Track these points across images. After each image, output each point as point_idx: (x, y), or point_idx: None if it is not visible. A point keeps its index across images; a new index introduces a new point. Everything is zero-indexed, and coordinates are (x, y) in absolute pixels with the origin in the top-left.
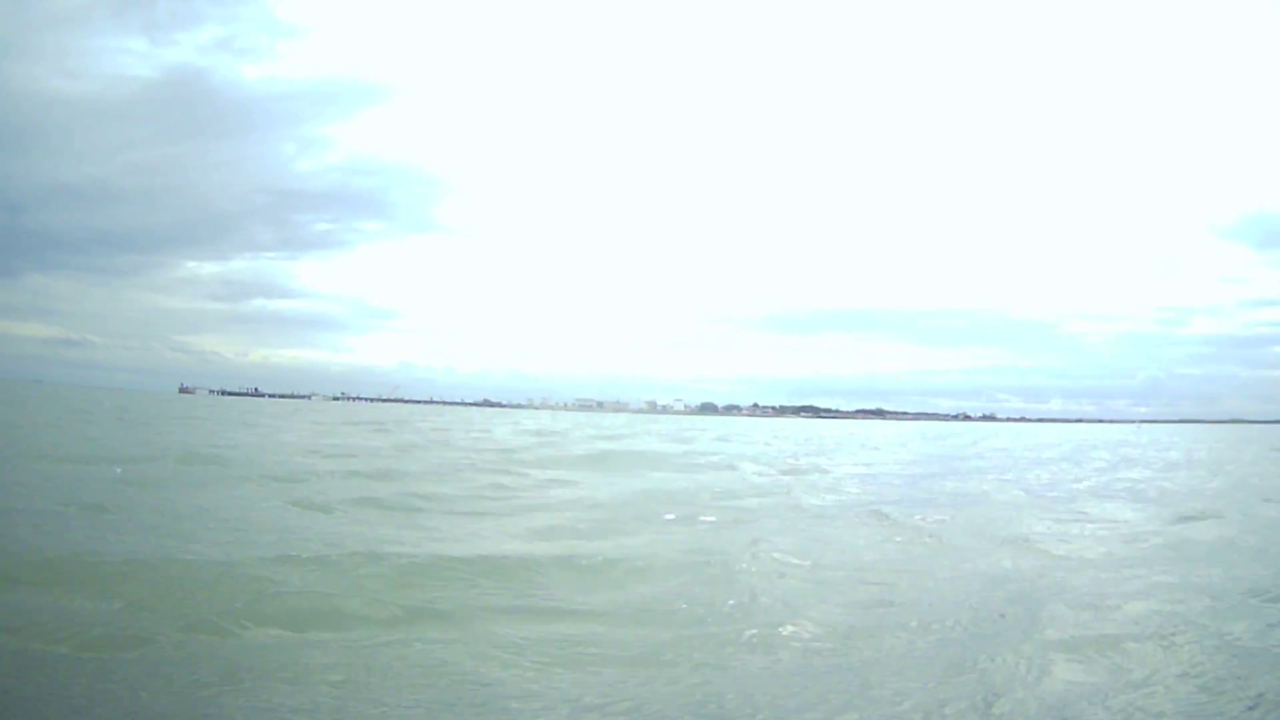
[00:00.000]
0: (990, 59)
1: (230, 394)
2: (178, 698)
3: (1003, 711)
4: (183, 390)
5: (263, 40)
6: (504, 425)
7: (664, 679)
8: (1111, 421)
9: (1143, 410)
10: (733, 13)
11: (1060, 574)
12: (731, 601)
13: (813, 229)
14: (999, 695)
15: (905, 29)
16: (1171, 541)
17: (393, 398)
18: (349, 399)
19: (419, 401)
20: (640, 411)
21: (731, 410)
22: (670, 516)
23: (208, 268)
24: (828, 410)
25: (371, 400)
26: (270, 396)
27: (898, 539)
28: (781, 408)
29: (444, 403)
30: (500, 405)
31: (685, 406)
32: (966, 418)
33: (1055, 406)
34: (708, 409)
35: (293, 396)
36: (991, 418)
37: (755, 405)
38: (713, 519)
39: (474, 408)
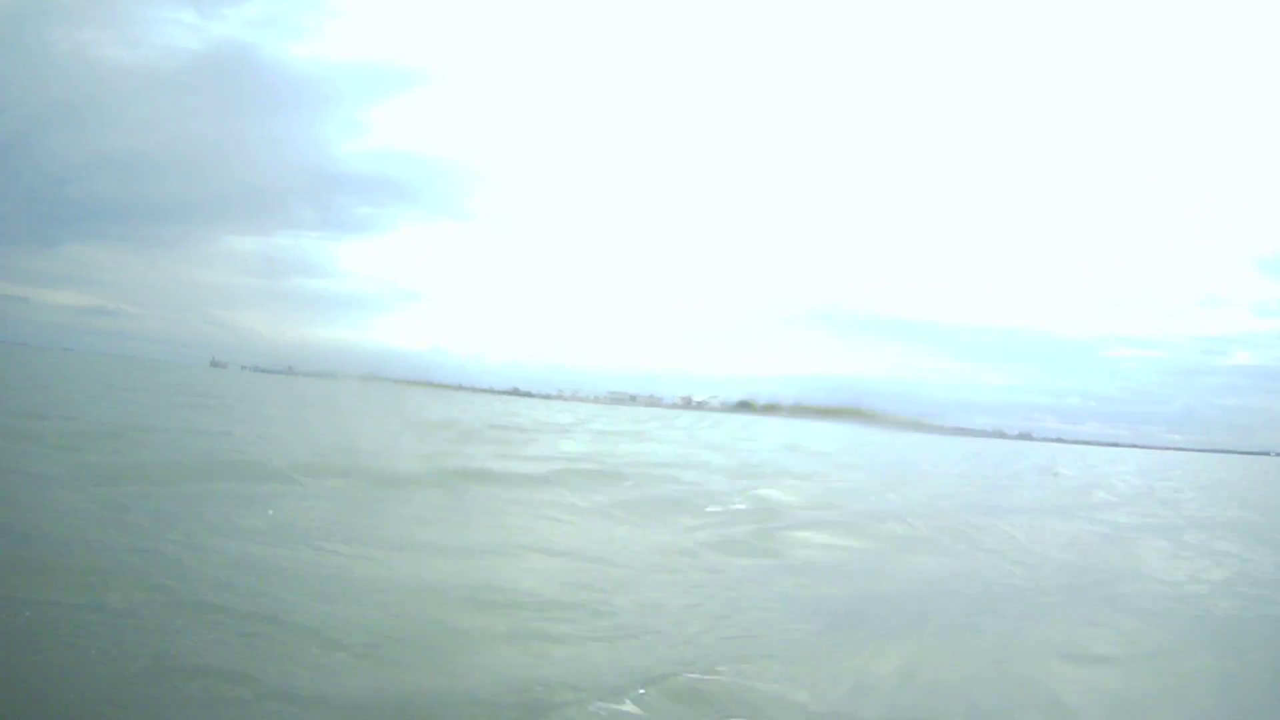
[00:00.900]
0: (1047, 87)
1: (263, 370)
2: None
3: None
4: (214, 364)
5: (309, 19)
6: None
7: None
8: (1146, 447)
9: (1176, 438)
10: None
11: None
12: None
13: (861, 230)
14: None
15: (969, 46)
16: None
17: (421, 380)
18: (377, 379)
19: (448, 386)
20: (674, 407)
21: (770, 410)
22: None
23: (247, 243)
24: (872, 415)
25: (397, 382)
26: (304, 375)
27: None
28: (823, 410)
29: (474, 389)
30: (530, 395)
31: (721, 403)
32: (1003, 435)
33: (1090, 429)
34: (745, 406)
35: (324, 375)
36: (1028, 437)
37: (796, 405)
38: None
39: (504, 395)
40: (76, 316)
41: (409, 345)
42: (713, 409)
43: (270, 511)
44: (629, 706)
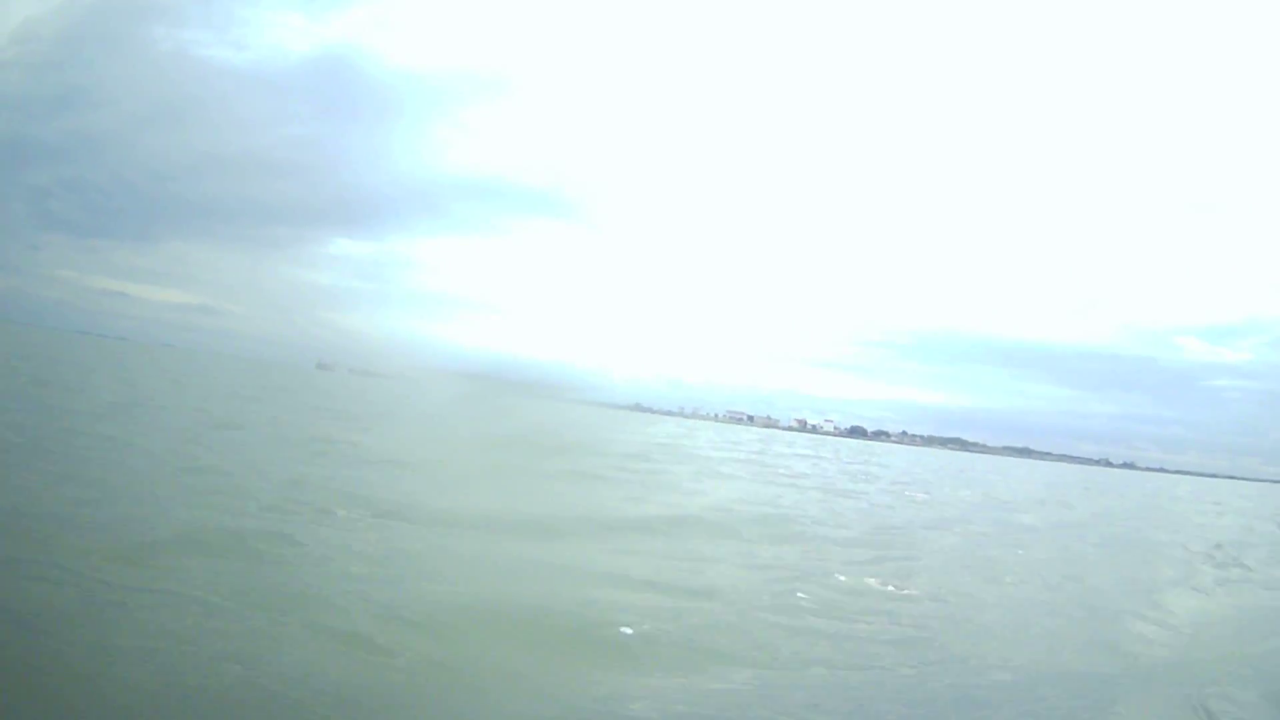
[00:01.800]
0: (1174, 109)
1: (372, 374)
2: None
3: None
4: (320, 366)
5: (415, 23)
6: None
7: None
8: (1243, 479)
9: (1273, 470)
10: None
11: None
12: None
13: (971, 259)
14: None
15: (1085, 64)
16: None
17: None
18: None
19: (571, 400)
20: (790, 429)
21: (880, 435)
22: None
23: (357, 245)
24: (975, 444)
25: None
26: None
27: None
28: (929, 437)
29: (596, 404)
30: (652, 411)
31: (835, 428)
32: (1108, 464)
33: (1191, 459)
34: (857, 432)
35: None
36: (1132, 466)
37: (904, 433)
38: None
39: (626, 410)
40: (177, 313)
41: (529, 355)
42: (826, 433)
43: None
44: None
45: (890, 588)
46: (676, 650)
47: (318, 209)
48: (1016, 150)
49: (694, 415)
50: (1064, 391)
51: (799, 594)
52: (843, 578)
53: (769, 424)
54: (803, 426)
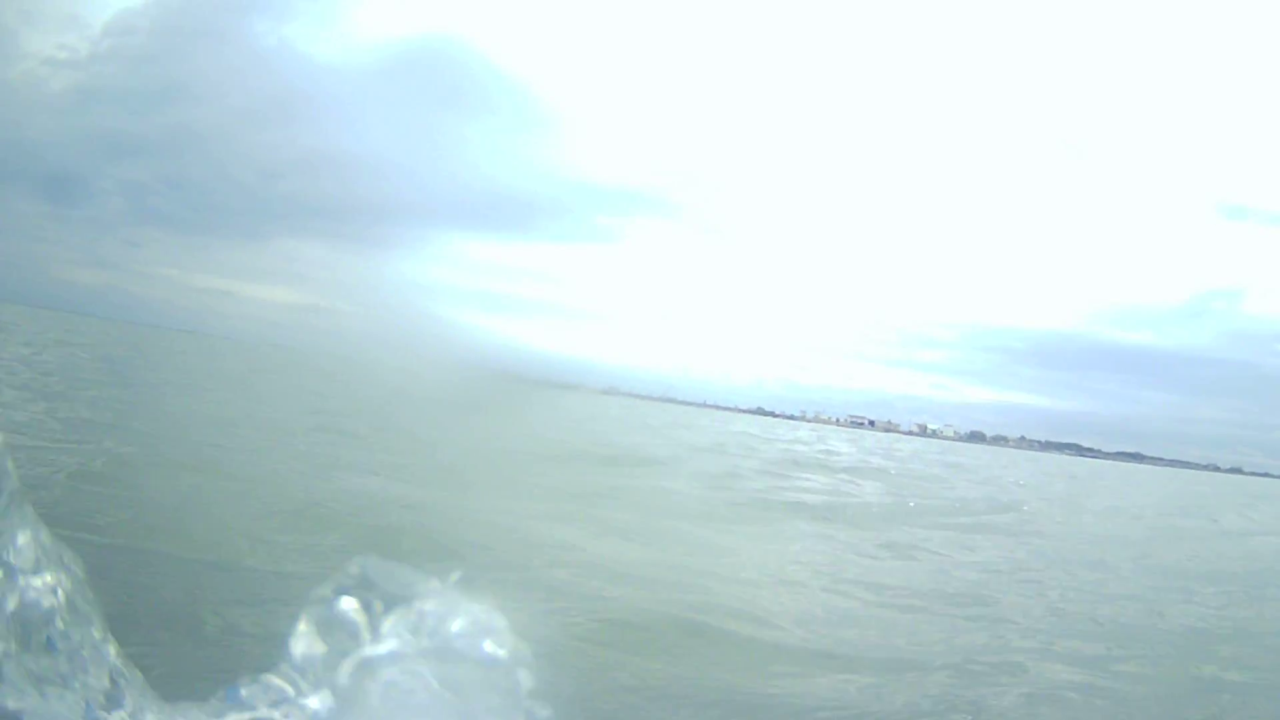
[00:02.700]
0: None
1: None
2: None
3: None
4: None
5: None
6: None
7: None
8: None
9: None
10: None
11: None
12: None
13: (1082, 262)
14: None
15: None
16: None
17: (664, 398)
18: (619, 394)
19: (694, 404)
20: (910, 434)
21: (999, 440)
22: None
23: (482, 246)
24: (1090, 449)
25: (642, 398)
26: (534, 384)
27: None
28: (1046, 443)
29: (718, 408)
30: (774, 415)
31: (955, 433)
32: (1216, 469)
33: None
34: (976, 437)
35: (561, 386)
36: (1239, 470)
37: (1022, 438)
38: None
39: (749, 415)
40: (286, 312)
41: (651, 362)
42: (946, 437)
43: None
44: None
45: None
46: None
47: (433, 207)
48: (1131, 151)
49: (816, 419)
50: (1172, 397)
51: None
52: None
53: (890, 428)
54: (923, 431)
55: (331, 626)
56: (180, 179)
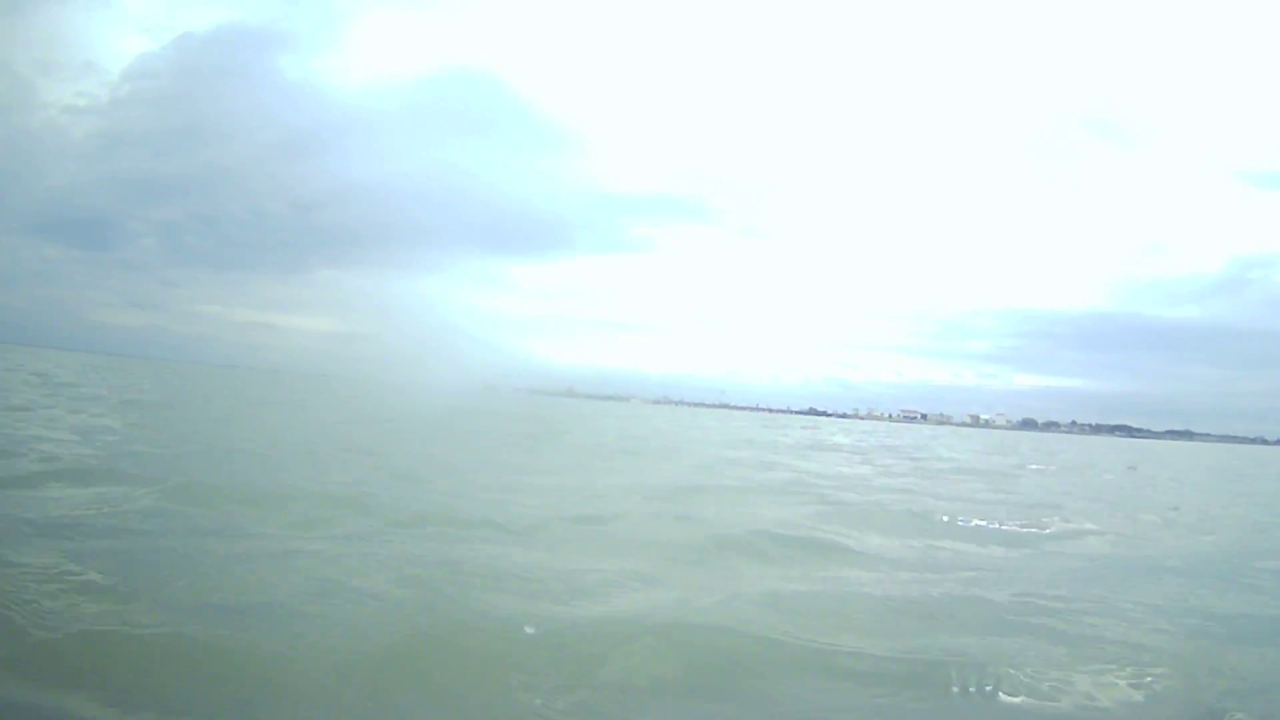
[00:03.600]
0: None
1: (539, 392)
2: None
3: None
4: (486, 387)
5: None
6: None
7: None
8: None
9: None
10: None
11: None
12: None
13: (1119, 241)
14: None
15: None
16: None
17: (717, 404)
18: (670, 403)
19: (746, 408)
20: (963, 425)
21: (1051, 427)
22: None
23: (520, 268)
24: (1139, 429)
25: (694, 405)
26: (586, 397)
27: None
28: (1097, 425)
29: (770, 410)
30: (826, 414)
31: (1007, 421)
32: (1264, 441)
33: None
34: (1028, 424)
35: (612, 398)
36: None
37: (1073, 423)
38: None
39: (803, 416)
40: (329, 342)
41: (701, 369)
42: (999, 427)
43: None
44: None
45: None
46: None
47: (467, 232)
48: (1150, 127)
49: (868, 416)
50: (1217, 371)
51: None
52: None
53: (942, 420)
54: (975, 422)
55: None
56: (214, 216)
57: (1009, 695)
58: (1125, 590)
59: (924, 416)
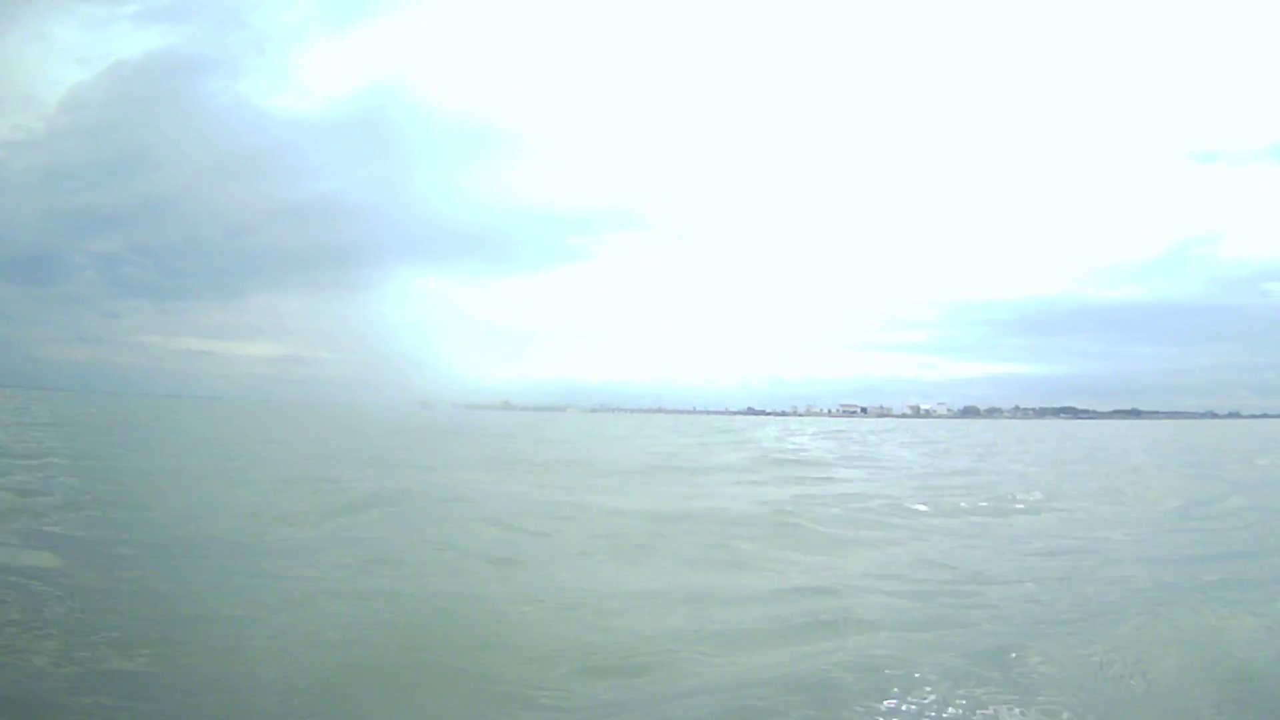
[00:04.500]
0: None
1: (475, 407)
2: None
3: None
4: (422, 403)
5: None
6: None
7: None
8: None
9: None
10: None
11: None
12: None
13: (1055, 225)
14: None
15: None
16: None
17: (654, 408)
18: (608, 410)
19: (683, 412)
20: (904, 416)
21: (994, 413)
22: None
23: (442, 282)
24: (1085, 411)
25: (631, 411)
26: (522, 409)
27: None
28: (1042, 409)
29: (708, 412)
30: (765, 413)
31: (949, 410)
32: (1214, 415)
33: None
34: (970, 412)
35: (547, 409)
36: (1237, 415)
37: (1016, 408)
38: None
39: (740, 416)
40: (269, 366)
41: (637, 374)
42: (940, 415)
43: None
44: None
45: None
46: None
47: (399, 248)
48: (1082, 109)
49: (807, 413)
50: (1161, 349)
51: None
52: None
53: (883, 413)
54: (916, 412)
55: None
56: (151, 246)
57: None
58: None
59: (864, 410)
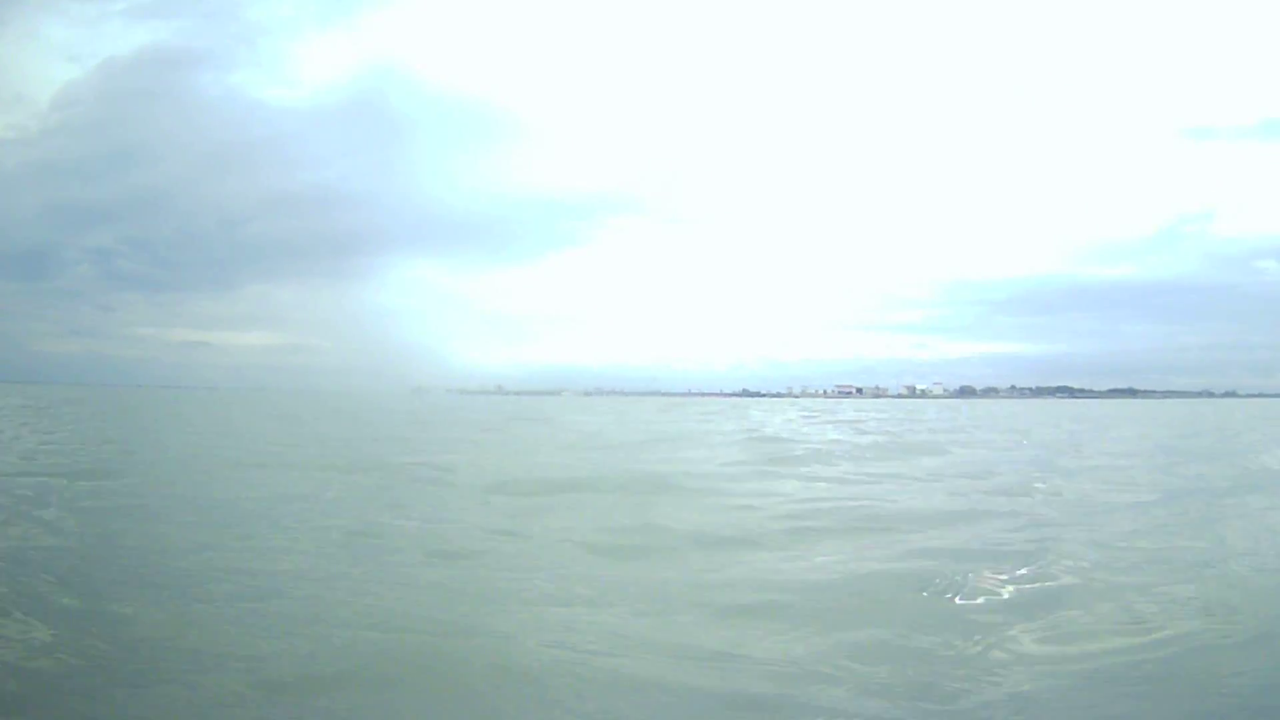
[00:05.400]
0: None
1: (469, 392)
2: None
3: None
4: (416, 390)
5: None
6: None
7: None
8: None
9: None
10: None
11: None
12: None
13: (1050, 204)
14: None
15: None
16: None
17: (651, 391)
18: (603, 394)
19: (678, 395)
20: (900, 397)
21: (990, 393)
22: None
23: (438, 269)
24: (1081, 390)
25: (627, 395)
26: (516, 394)
27: None
28: (1038, 389)
29: (703, 395)
30: (760, 395)
31: (944, 390)
32: (1210, 394)
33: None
34: (966, 392)
35: (542, 393)
36: (1233, 394)
37: (1012, 387)
38: None
39: (734, 398)
40: (264, 355)
41: (633, 358)
42: (936, 396)
43: None
44: None
45: None
46: None
47: (393, 236)
48: (1076, 87)
49: (803, 394)
50: (1155, 327)
51: None
52: None
53: (878, 393)
54: (912, 392)
55: None
56: (146, 239)
57: None
58: None
59: (859, 391)
